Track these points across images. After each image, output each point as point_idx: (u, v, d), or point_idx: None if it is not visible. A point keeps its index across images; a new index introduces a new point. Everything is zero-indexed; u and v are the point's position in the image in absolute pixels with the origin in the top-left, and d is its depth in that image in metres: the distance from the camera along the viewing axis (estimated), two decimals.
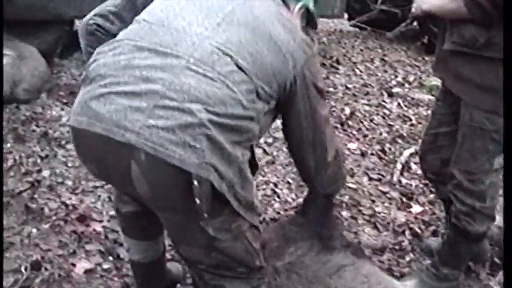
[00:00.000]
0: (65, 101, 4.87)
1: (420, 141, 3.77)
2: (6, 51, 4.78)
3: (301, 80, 2.08)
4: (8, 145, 3.97)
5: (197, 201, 1.78)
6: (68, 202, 3.37)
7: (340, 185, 2.59)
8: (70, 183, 3.57)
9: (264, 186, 3.89)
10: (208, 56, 1.87)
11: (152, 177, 1.81)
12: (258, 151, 4.20)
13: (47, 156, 3.90)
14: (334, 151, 2.32)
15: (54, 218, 3.20)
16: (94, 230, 3.12)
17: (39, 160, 3.83)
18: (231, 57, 1.90)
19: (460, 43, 2.55)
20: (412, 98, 6.08)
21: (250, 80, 1.92)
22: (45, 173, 3.69)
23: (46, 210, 3.27)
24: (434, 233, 3.55)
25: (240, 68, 1.90)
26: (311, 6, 2.35)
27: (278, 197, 3.79)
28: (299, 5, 2.29)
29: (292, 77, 2.05)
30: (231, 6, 2.03)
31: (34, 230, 3.09)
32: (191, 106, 1.78)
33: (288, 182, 4.00)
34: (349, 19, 9.31)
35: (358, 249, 2.73)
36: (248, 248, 2.06)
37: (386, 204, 3.89)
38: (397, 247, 3.42)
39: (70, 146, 3.96)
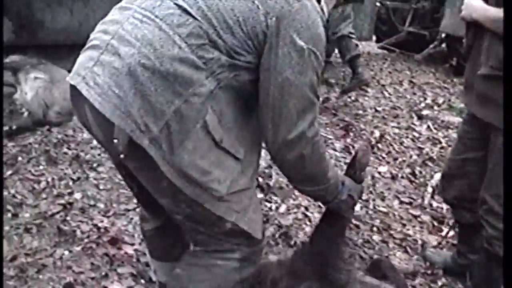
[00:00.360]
0: None
1: None
2: (38, 75, 4.85)
3: (273, 31, 1.88)
4: (41, 167, 4.01)
5: (115, 141, 1.86)
6: (100, 224, 3.39)
7: (313, 182, 2.19)
8: (102, 205, 3.59)
9: (295, 210, 3.88)
10: (152, 2, 1.91)
11: (99, 122, 1.91)
12: None
13: (79, 178, 3.92)
14: (300, 131, 1.97)
15: (86, 240, 3.21)
16: (126, 253, 3.13)
17: (71, 183, 3.87)
18: (175, 2, 1.88)
19: (498, 67, 2.53)
20: (442, 121, 6.04)
21: (197, 24, 1.84)
22: (77, 195, 3.71)
23: (78, 232, 3.29)
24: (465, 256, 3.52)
25: (185, 11, 1.86)
26: None
27: (309, 220, 3.77)
28: None
29: (264, 26, 1.88)
30: None
31: (66, 253, 3.11)
32: (123, 49, 1.85)
33: (319, 206, 3.98)
34: (377, 41, 9.31)
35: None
36: (205, 212, 2.00)
37: (417, 228, 3.85)
38: (429, 271, 3.38)
39: (101, 168, 4.01)
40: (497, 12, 2.53)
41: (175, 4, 1.88)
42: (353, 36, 6.12)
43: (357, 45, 6.22)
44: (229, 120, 1.95)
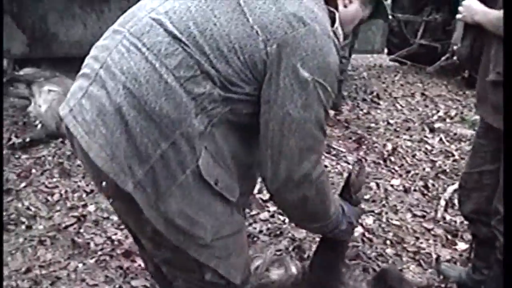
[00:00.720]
0: None
1: None
2: (52, 87, 4.90)
3: (274, 60, 1.70)
4: (54, 179, 4.04)
5: (103, 183, 1.76)
6: (113, 237, 3.40)
7: (315, 220, 2.05)
8: (115, 218, 3.60)
9: None
10: (141, 28, 1.76)
11: (87, 160, 1.77)
12: None
13: (92, 191, 3.94)
14: (303, 173, 1.82)
15: (100, 253, 3.23)
16: (140, 265, 3.13)
17: (84, 195, 3.89)
18: (165, 28, 1.72)
19: None
20: (454, 133, 6.02)
21: (188, 54, 1.68)
22: (91, 208, 3.73)
23: (92, 245, 3.30)
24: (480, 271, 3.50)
25: (175, 38, 1.70)
26: None
27: None
28: None
29: (264, 54, 1.70)
30: None
31: (80, 265, 3.12)
32: (110, 84, 1.72)
33: None
34: (389, 54, 9.31)
35: None
36: (186, 259, 1.86)
37: (431, 241, 3.83)
38: (442, 285, 3.35)
39: None
40: (501, 16, 2.51)
41: (165, 30, 1.72)
42: (344, 61, 6.07)
43: (343, 71, 6.15)
44: (226, 156, 1.81)
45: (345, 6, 1.98)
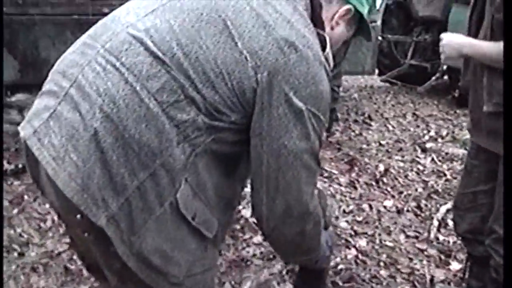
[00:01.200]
0: None
1: None
2: None
3: (265, 88, 1.59)
4: (47, 206, 4.02)
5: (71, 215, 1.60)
6: None
7: (306, 255, 1.98)
8: None
9: None
10: (118, 45, 1.61)
11: (54, 189, 1.61)
12: None
13: None
14: (302, 207, 1.74)
15: (93, 279, 3.20)
16: None
17: None
18: (146, 47, 1.58)
19: (502, 103, 2.52)
20: (446, 153, 6.03)
21: (171, 76, 1.56)
22: None
23: (85, 272, 3.27)
24: None
25: (157, 58, 1.57)
26: (362, 10, 1.88)
27: None
28: (346, 6, 1.85)
29: (253, 82, 1.59)
30: None
31: None
32: (84, 106, 1.57)
33: None
34: (380, 74, 9.34)
35: None
36: None
37: (424, 262, 3.82)
38: None
39: None
40: (492, 47, 2.51)
41: (146, 49, 1.58)
42: (336, 90, 6.10)
43: (336, 99, 6.19)
44: (207, 189, 1.68)
45: (332, 29, 1.88)
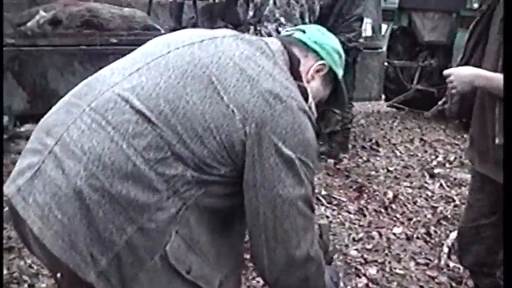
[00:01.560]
0: None
1: None
2: None
3: (254, 140, 1.62)
4: None
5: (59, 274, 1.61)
6: None
7: None
8: None
9: None
10: (103, 104, 1.63)
11: (41, 247, 1.62)
12: None
13: None
14: (303, 254, 1.73)
15: None
16: None
17: None
18: (131, 105, 1.60)
19: None
20: (454, 178, 6.02)
21: (158, 133, 1.57)
22: None
23: None
24: None
25: (143, 116, 1.58)
26: (336, 69, 1.96)
27: None
28: (320, 61, 1.93)
29: (242, 134, 1.61)
30: (171, 49, 1.74)
31: None
32: (68, 164, 1.57)
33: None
34: (386, 100, 9.37)
35: None
36: None
37: None
38: None
39: None
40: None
41: (131, 107, 1.60)
42: (337, 112, 6.14)
43: (338, 121, 6.23)
44: (203, 243, 1.68)
45: (307, 82, 1.92)
